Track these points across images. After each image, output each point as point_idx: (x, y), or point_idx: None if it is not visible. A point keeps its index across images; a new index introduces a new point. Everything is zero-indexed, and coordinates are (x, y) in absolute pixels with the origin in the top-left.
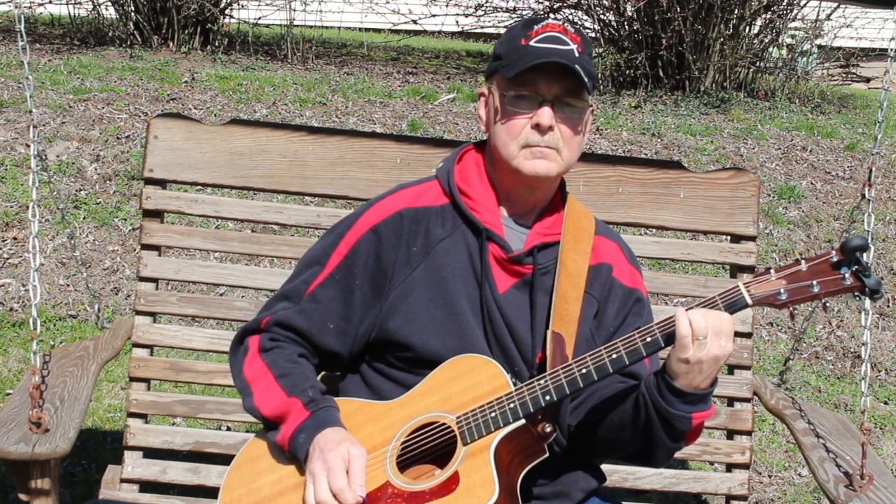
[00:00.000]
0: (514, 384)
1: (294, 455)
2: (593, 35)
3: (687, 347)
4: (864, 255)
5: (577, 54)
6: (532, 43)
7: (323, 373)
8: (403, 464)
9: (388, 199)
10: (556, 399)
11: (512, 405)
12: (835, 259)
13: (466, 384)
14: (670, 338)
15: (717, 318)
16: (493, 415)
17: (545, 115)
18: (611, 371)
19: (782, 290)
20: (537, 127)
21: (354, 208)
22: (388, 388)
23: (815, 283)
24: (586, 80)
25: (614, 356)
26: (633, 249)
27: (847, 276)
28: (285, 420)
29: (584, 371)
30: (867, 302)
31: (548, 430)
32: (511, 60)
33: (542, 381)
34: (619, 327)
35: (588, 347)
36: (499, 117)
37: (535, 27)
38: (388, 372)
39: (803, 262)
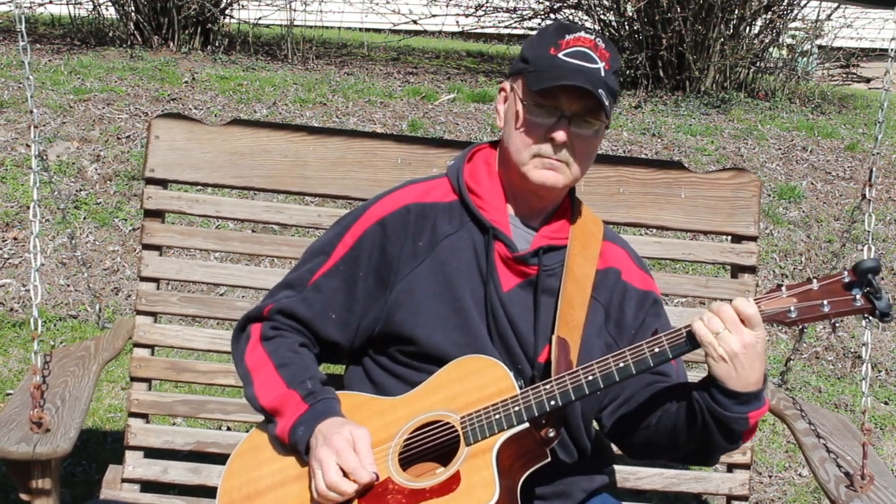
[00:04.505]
0: (520, 387)
1: (294, 448)
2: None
3: (712, 345)
4: (877, 277)
5: (603, 73)
6: (561, 55)
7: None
8: (406, 461)
9: (396, 193)
10: (561, 404)
11: (517, 408)
12: (847, 280)
13: (472, 385)
14: (677, 349)
15: (728, 310)
16: (497, 417)
17: (561, 133)
18: (617, 379)
19: (792, 308)
20: (552, 140)
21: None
22: (390, 384)
23: (825, 302)
24: (606, 103)
25: (621, 365)
26: (639, 254)
27: (858, 297)
28: (284, 413)
29: (590, 378)
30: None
31: (551, 434)
32: (537, 69)
33: (547, 386)
34: (638, 329)
35: (596, 354)
36: (516, 122)
37: (567, 37)
38: (391, 367)
39: (815, 281)
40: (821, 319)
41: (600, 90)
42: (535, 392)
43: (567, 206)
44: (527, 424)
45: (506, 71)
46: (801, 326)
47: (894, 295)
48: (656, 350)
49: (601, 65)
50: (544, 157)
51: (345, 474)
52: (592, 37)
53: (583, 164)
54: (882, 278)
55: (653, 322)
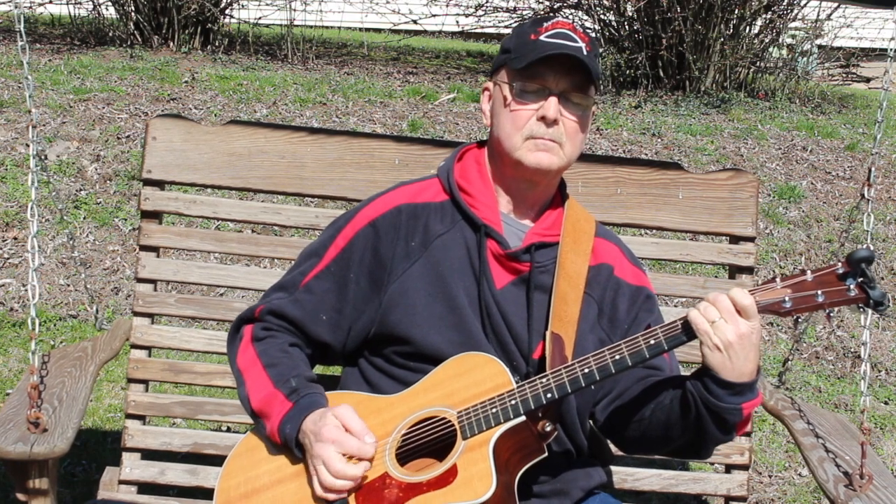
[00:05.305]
0: (517, 382)
1: (286, 445)
2: (593, 35)
3: (708, 334)
4: (870, 267)
5: (585, 52)
6: (542, 38)
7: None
8: (403, 456)
9: (388, 194)
10: (557, 397)
11: (513, 402)
12: (841, 270)
13: (469, 381)
14: (672, 341)
15: (724, 299)
16: (493, 410)
17: (552, 107)
18: (613, 372)
19: (787, 299)
20: (543, 119)
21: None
22: (386, 385)
23: (819, 292)
24: (594, 76)
25: (617, 357)
26: (631, 250)
27: (852, 287)
28: (270, 413)
29: (586, 370)
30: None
31: (548, 428)
32: (520, 53)
33: (544, 380)
34: (631, 324)
35: (590, 349)
36: (504, 109)
37: (546, 24)
38: (386, 368)
39: (809, 272)
40: (815, 310)
41: (585, 61)
42: (531, 386)
43: (559, 202)
44: (523, 418)
45: None
46: (796, 317)
47: (894, 295)
48: (651, 342)
49: (582, 45)
50: (537, 137)
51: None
52: (570, 22)
53: (574, 144)
54: (882, 278)
55: (645, 317)
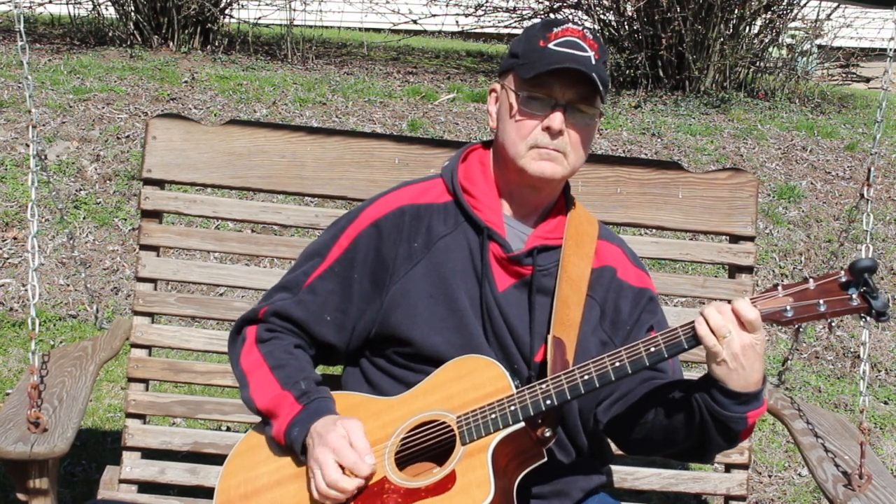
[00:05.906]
0: (516, 387)
1: (291, 448)
2: (602, 41)
3: (717, 349)
4: (873, 276)
5: (593, 62)
6: (551, 45)
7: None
8: (403, 460)
9: (391, 194)
10: (557, 404)
11: (512, 408)
12: (843, 279)
13: (468, 384)
14: (673, 349)
15: (728, 312)
16: (493, 416)
17: (557, 119)
18: (613, 379)
19: (788, 308)
20: (548, 130)
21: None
22: (387, 385)
23: (821, 301)
24: (601, 88)
25: (617, 364)
26: (634, 252)
27: (854, 296)
28: (279, 414)
29: (586, 377)
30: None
31: (547, 434)
32: (528, 61)
33: (543, 386)
34: (634, 325)
35: (592, 352)
36: (510, 116)
37: (555, 30)
38: (388, 368)
39: (811, 280)
40: (817, 319)
41: (593, 74)
42: (530, 391)
43: (562, 204)
44: (522, 424)
45: None
46: (797, 326)
47: (894, 295)
48: (652, 350)
49: (591, 53)
50: (541, 147)
51: (344, 472)
52: (580, 28)
53: (579, 154)
54: (882, 278)
55: (648, 319)
